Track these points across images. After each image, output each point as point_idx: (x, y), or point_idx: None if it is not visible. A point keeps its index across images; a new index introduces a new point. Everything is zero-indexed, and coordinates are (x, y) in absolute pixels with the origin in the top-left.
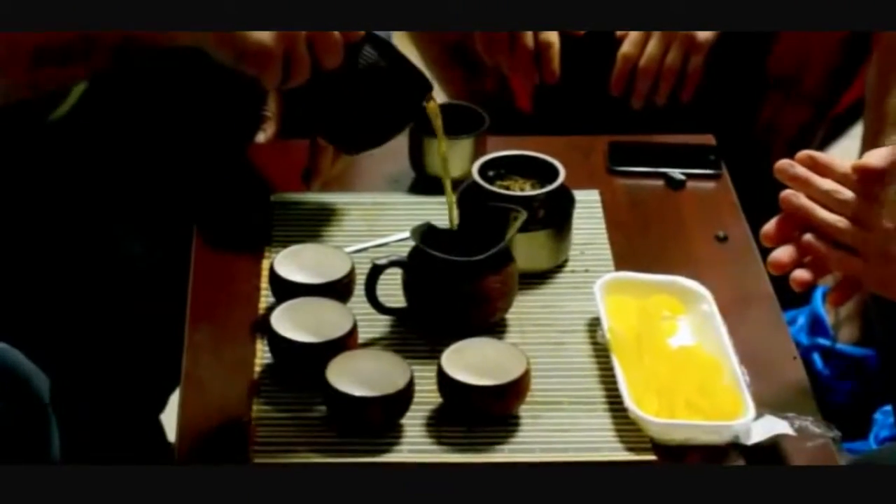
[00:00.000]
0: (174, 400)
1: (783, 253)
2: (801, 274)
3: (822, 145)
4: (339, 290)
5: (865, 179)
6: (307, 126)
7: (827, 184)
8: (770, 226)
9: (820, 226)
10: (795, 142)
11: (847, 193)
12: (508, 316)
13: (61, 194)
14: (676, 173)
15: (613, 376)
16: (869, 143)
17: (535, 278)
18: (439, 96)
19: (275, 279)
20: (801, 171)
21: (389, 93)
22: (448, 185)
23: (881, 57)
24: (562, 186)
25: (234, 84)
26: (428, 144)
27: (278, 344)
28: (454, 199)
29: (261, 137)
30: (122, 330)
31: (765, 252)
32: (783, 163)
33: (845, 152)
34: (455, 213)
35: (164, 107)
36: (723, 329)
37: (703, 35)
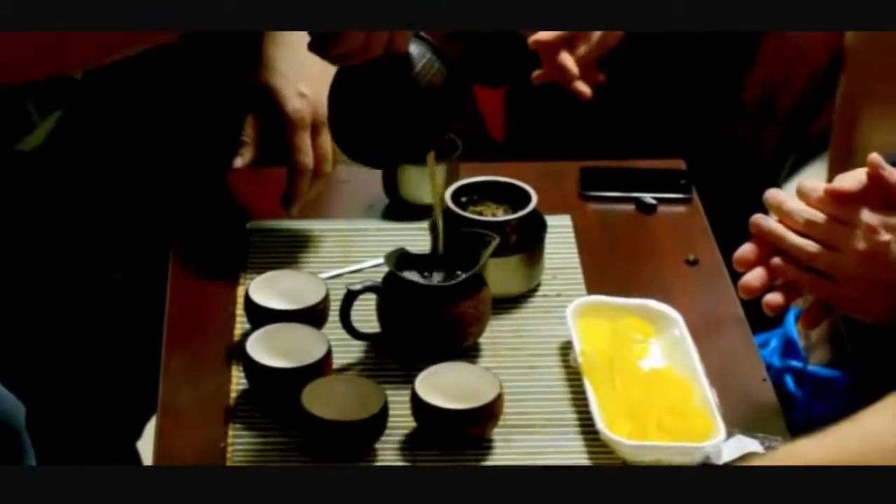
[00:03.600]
0: (151, 427)
1: (754, 277)
2: (772, 298)
3: (794, 169)
4: (313, 315)
5: (838, 202)
6: (339, 127)
7: (797, 206)
8: (742, 251)
9: (790, 249)
10: (767, 166)
11: (817, 216)
12: (482, 340)
13: (37, 222)
14: (647, 198)
15: (585, 399)
16: (835, 169)
17: (508, 303)
18: None
19: (250, 305)
20: (774, 225)
21: (441, 100)
22: (439, 215)
23: (847, 84)
24: (534, 212)
25: (213, 109)
26: (401, 172)
27: (254, 370)
28: (440, 225)
29: (238, 162)
30: (98, 357)
31: (735, 275)
32: (756, 217)
33: (817, 176)
34: (441, 241)
35: (142, 132)
36: (693, 351)
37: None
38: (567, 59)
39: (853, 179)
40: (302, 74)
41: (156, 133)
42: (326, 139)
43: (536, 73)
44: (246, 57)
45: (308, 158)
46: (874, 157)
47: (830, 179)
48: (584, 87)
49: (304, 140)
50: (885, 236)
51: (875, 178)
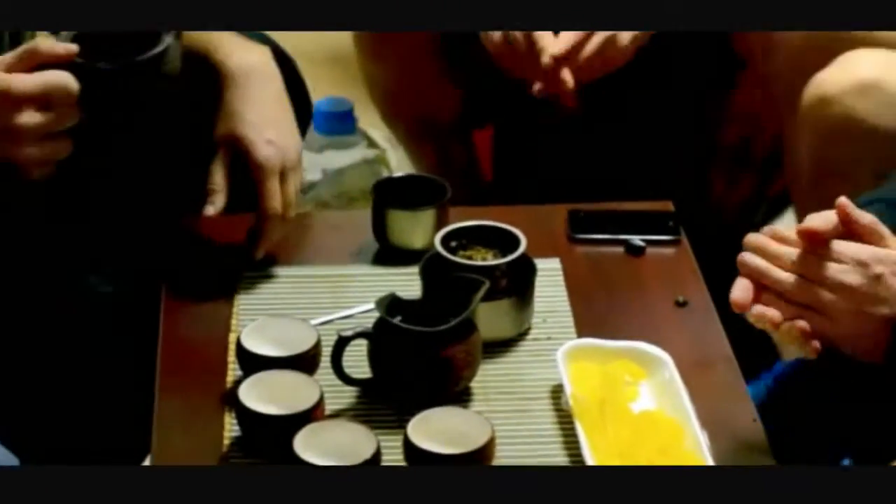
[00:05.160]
0: None
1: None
2: (770, 312)
3: (770, 214)
4: (305, 362)
5: (811, 242)
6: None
7: (780, 248)
8: (736, 293)
9: (773, 285)
10: (744, 209)
11: (806, 255)
12: (473, 384)
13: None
14: (636, 240)
15: (577, 442)
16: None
17: (499, 347)
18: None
19: (242, 352)
20: (761, 262)
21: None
22: None
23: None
24: (523, 255)
25: (176, 162)
26: (390, 216)
27: (246, 416)
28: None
29: (210, 210)
30: (89, 401)
31: (725, 316)
32: (743, 256)
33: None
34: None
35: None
36: (684, 393)
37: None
38: (566, 74)
39: (823, 220)
40: (268, 122)
41: (131, 183)
42: (292, 185)
43: (537, 86)
44: (206, 108)
45: (277, 203)
46: (843, 201)
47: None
48: (572, 98)
49: (274, 186)
50: (878, 269)
51: (847, 222)
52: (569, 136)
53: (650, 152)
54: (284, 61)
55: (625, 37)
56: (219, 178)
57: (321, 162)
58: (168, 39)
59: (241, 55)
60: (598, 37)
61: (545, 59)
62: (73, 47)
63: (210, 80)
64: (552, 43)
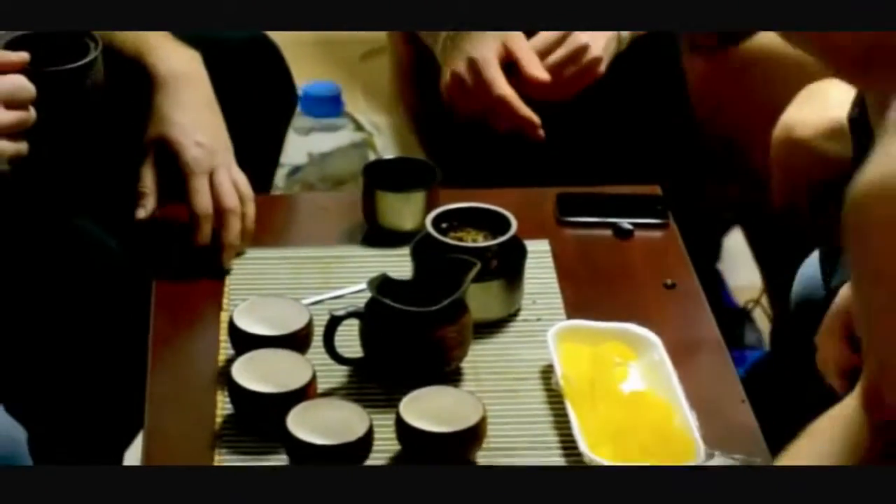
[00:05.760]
0: (137, 449)
1: None
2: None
3: None
4: (297, 341)
5: None
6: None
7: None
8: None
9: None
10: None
11: None
12: (464, 364)
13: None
14: (624, 223)
15: (568, 422)
16: None
17: (489, 327)
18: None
19: (234, 331)
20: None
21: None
22: None
23: None
24: (514, 237)
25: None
26: (381, 198)
27: (239, 395)
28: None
29: (141, 213)
30: (90, 377)
31: (712, 299)
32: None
33: None
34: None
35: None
36: (673, 374)
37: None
38: (525, 109)
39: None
40: (198, 125)
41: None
42: (225, 178)
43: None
44: (137, 112)
45: (206, 200)
46: None
47: None
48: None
49: (202, 184)
50: None
51: None
52: (555, 122)
53: (637, 138)
54: (268, 48)
55: (598, 47)
56: (149, 181)
57: (308, 145)
58: (93, 41)
59: (172, 60)
60: (569, 46)
61: (495, 91)
62: (26, 55)
63: (142, 82)
64: (499, 76)
